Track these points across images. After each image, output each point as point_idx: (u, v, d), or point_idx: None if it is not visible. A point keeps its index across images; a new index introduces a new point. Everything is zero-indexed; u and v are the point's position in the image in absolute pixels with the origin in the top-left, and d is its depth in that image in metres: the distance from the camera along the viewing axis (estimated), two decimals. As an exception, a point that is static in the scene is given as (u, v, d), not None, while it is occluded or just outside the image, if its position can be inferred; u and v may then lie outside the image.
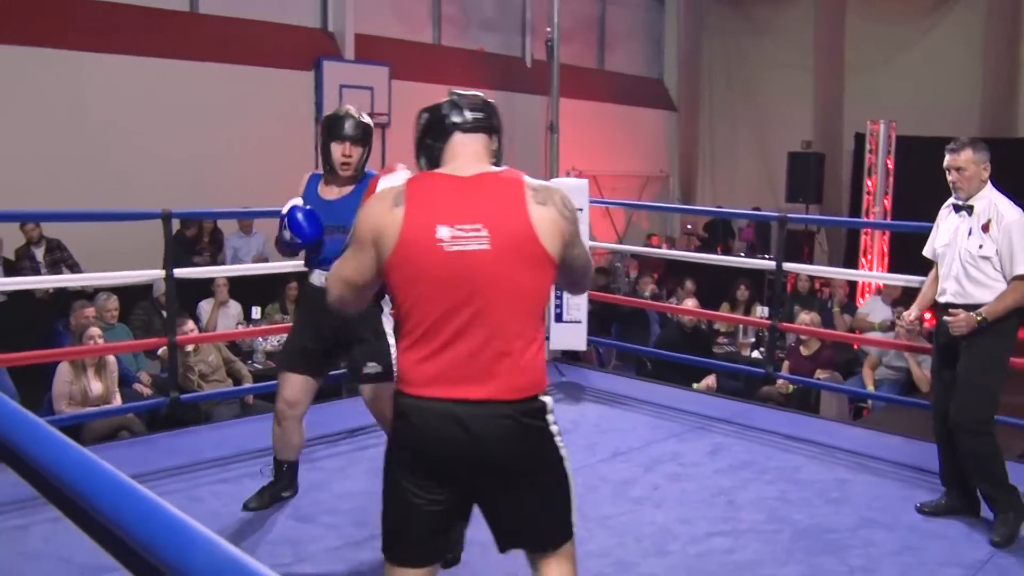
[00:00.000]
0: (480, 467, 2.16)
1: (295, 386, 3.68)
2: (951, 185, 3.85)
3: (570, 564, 2.32)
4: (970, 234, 3.78)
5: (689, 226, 14.85)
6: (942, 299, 3.88)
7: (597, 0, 14.89)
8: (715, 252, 13.02)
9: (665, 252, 12.06)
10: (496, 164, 2.27)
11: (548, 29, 10.52)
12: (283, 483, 3.88)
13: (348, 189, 3.56)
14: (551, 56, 10.47)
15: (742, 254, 12.96)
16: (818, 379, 7.15)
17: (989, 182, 3.81)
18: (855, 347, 8.26)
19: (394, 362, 3.25)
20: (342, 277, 2.29)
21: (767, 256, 11.13)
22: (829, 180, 13.23)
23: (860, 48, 13.81)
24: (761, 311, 8.97)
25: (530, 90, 12.69)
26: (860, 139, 12.26)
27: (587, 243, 5.89)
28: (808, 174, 12.44)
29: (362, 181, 3.55)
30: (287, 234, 3.47)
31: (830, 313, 9.09)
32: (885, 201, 11.37)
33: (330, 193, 3.59)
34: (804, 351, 7.43)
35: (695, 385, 7.30)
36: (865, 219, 11.61)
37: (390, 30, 11.88)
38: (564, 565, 2.30)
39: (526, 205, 2.13)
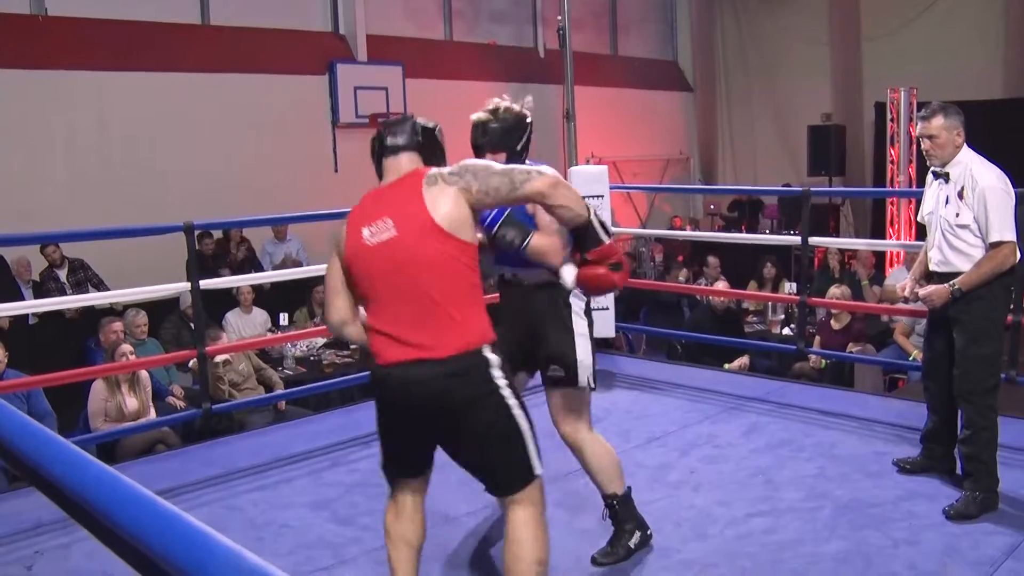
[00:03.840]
0: (431, 418, 2.53)
1: None
2: (925, 153, 3.80)
3: (533, 507, 2.57)
4: (947, 202, 3.70)
5: (712, 206, 14.74)
6: (931, 268, 3.83)
7: (607, -14, 14.81)
8: (740, 231, 12.93)
9: (689, 234, 11.99)
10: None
11: (559, 18, 10.49)
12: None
13: None
14: (564, 45, 10.43)
15: (767, 231, 12.83)
16: (851, 352, 7.08)
17: (965, 146, 3.71)
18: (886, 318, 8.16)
19: (580, 365, 3.12)
20: (326, 288, 2.72)
21: (792, 232, 11.02)
22: (851, 152, 13.09)
23: (876, 16, 13.59)
24: (789, 287, 8.89)
25: (545, 80, 12.64)
26: (881, 108, 12.08)
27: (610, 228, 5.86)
28: (829, 147, 12.34)
29: None
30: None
31: (859, 286, 8.99)
32: (910, 170, 11.18)
33: None
34: (835, 325, 7.36)
35: (727, 366, 7.26)
36: (890, 188, 11.45)
37: (401, 29, 11.87)
38: (526, 509, 2.56)
39: (421, 191, 2.48)
